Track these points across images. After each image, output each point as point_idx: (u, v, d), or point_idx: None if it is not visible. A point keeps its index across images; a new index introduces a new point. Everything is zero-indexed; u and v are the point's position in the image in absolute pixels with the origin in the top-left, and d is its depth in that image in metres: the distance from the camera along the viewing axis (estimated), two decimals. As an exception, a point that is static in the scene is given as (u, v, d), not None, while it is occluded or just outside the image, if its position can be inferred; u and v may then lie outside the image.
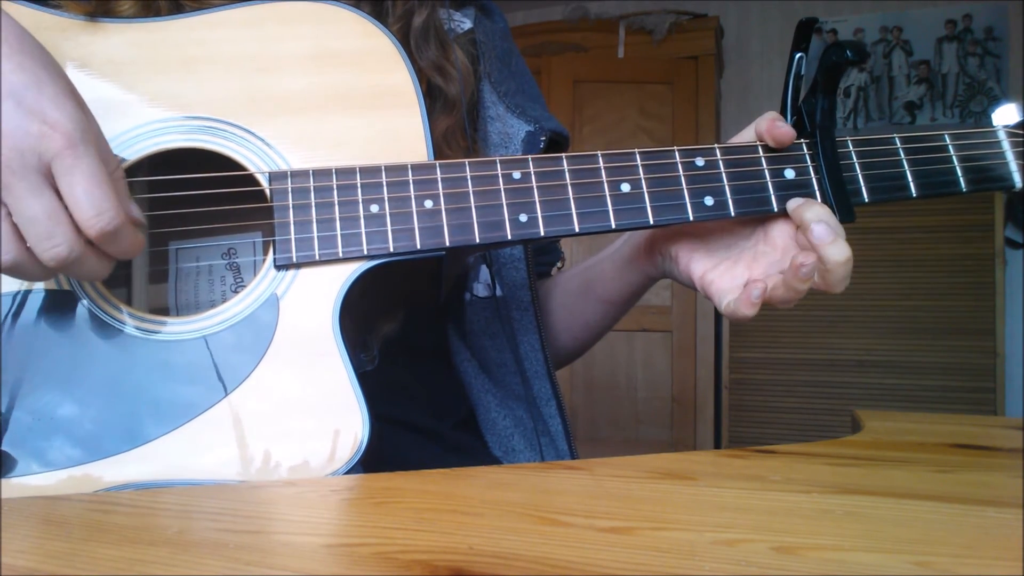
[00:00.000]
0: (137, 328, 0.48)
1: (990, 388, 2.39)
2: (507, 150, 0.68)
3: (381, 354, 0.62)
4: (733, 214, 0.53)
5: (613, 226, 0.52)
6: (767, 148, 0.55)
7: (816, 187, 0.54)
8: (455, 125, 0.65)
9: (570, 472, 0.43)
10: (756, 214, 0.54)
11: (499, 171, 0.52)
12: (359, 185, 0.50)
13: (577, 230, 0.52)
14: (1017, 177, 0.57)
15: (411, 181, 0.50)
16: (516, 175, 0.52)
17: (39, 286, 0.48)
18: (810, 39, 0.56)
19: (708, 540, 0.31)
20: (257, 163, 0.50)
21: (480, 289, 0.70)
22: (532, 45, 2.76)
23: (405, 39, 0.62)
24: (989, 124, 0.58)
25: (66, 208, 0.41)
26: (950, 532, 0.32)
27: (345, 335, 0.48)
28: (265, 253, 0.50)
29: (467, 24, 0.71)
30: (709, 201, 0.53)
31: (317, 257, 0.49)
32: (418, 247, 0.50)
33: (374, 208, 0.50)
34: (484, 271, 0.70)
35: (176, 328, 0.48)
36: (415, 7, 0.64)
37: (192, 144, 0.50)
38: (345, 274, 0.49)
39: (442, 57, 0.65)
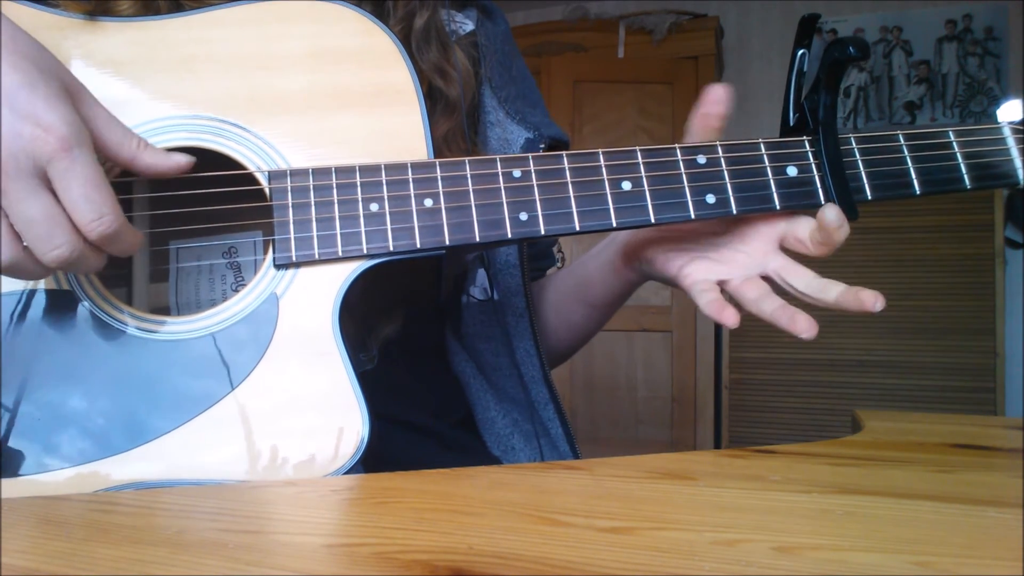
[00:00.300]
0: (138, 328, 0.47)
1: (990, 388, 2.39)
2: None
3: (380, 354, 0.62)
4: (735, 212, 0.53)
5: (614, 224, 0.52)
6: (769, 145, 0.55)
7: (819, 184, 0.54)
8: (455, 128, 0.65)
9: (570, 472, 0.43)
10: (758, 212, 0.54)
11: (499, 169, 0.52)
12: (359, 184, 0.50)
13: (578, 228, 0.52)
14: (1021, 174, 0.57)
15: (411, 180, 0.50)
16: (516, 173, 0.52)
17: (40, 286, 0.48)
18: (812, 35, 0.56)
19: (708, 540, 0.31)
20: (257, 162, 0.50)
21: (477, 292, 0.70)
22: (532, 45, 2.76)
23: (406, 40, 0.62)
24: (993, 121, 0.58)
25: (63, 209, 0.41)
26: (950, 532, 0.32)
27: (345, 334, 0.48)
28: (265, 252, 0.50)
29: (469, 26, 0.71)
30: (711, 199, 0.53)
31: (317, 256, 0.49)
32: (418, 246, 0.49)
33: (374, 207, 0.50)
34: (481, 274, 0.70)
35: (177, 327, 0.48)
36: (416, 8, 0.63)
37: (192, 143, 0.50)
38: (345, 273, 0.49)
39: (443, 59, 0.64)
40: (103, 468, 0.45)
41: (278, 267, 0.49)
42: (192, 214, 0.52)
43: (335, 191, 0.50)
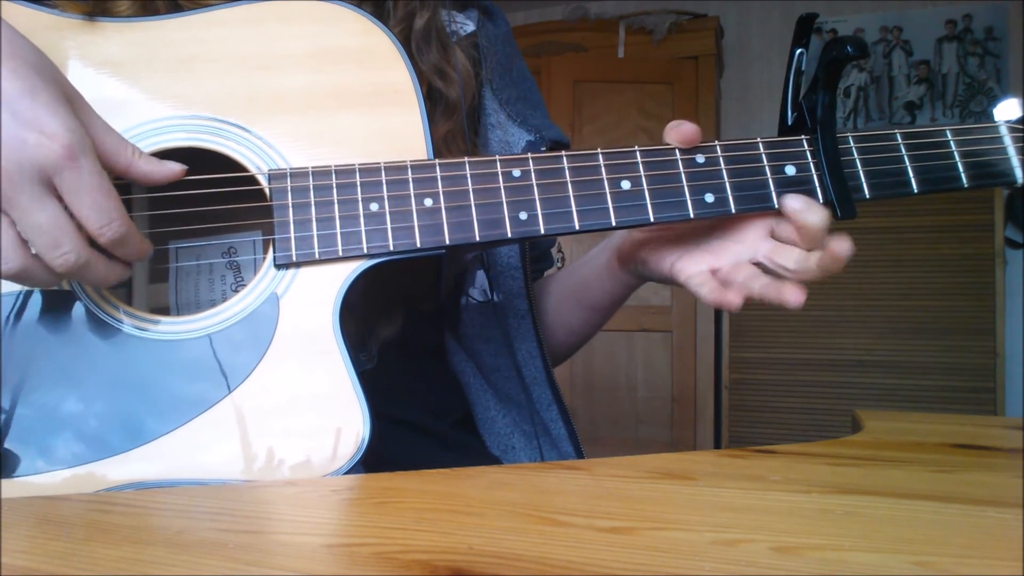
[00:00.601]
0: (138, 328, 0.47)
1: (990, 388, 2.39)
2: None
3: (380, 353, 0.62)
4: (734, 211, 0.53)
5: (613, 223, 0.52)
6: (768, 145, 0.55)
7: (817, 183, 0.54)
8: (455, 129, 0.65)
9: (570, 472, 0.43)
10: (757, 211, 0.54)
11: (499, 169, 0.52)
12: (358, 184, 0.50)
13: (577, 228, 0.52)
14: (1018, 172, 0.57)
15: (411, 179, 0.50)
16: (516, 173, 0.52)
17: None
18: (810, 35, 0.56)
19: (708, 540, 0.31)
20: (256, 162, 0.50)
21: (476, 294, 0.70)
22: (532, 45, 2.76)
23: (406, 41, 0.62)
24: (991, 120, 0.58)
25: (70, 215, 0.41)
26: (950, 532, 0.32)
27: (345, 334, 0.48)
28: (265, 252, 0.50)
29: (470, 27, 0.70)
30: (710, 198, 0.53)
31: (317, 256, 0.49)
32: (418, 245, 0.49)
33: (374, 207, 0.50)
34: (480, 276, 0.70)
35: (177, 327, 0.48)
36: (417, 9, 0.63)
37: (191, 143, 0.50)
38: (345, 273, 0.49)
39: (443, 60, 0.64)
40: (103, 468, 0.45)
41: (278, 267, 0.49)
42: (192, 214, 0.52)
43: (335, 191, 0.50)
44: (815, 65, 0.54)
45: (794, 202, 0.52)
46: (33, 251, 0.41)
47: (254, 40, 0.52)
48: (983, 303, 2.41)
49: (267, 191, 0.49)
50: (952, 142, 0.57)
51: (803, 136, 0.55)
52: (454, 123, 0.64)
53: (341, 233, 0.49)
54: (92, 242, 0.43)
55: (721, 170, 0.54)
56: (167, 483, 0.44)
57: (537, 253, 0.77)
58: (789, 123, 0.57)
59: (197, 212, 0.52)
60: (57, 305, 0.47)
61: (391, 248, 0.49)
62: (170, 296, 0.58)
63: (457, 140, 0.65)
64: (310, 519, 0.37)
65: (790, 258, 0.54)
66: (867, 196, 0.55)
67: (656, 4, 2.83)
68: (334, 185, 0.50)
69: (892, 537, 0.31)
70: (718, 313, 2.66)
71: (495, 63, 0.70)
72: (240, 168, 0.50)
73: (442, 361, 0.72)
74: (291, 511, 0.38)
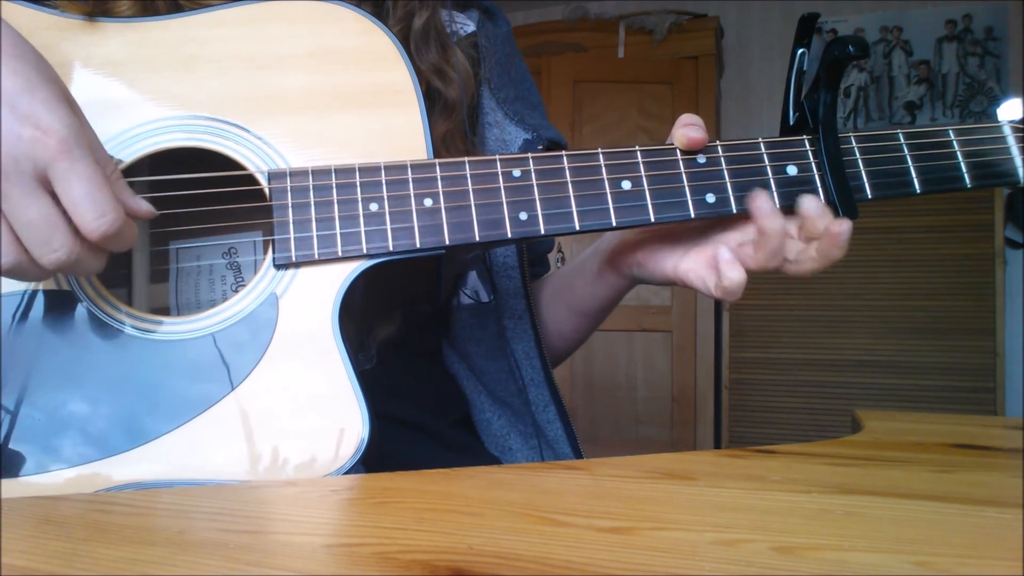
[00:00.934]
0: (138, 328, 0.47)
1: (990, 388, 2.39)
2: None
3: (379, 353, 0.62)
4: (735, 211, 0.53)
5: (614, 224, 0.52)
6: (769, 144, 0.55)
7: (819, 183, 0.54)
8: (454, 129, 0.65)
9: (570, 472, 0.43)
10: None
11: (499, 169, 0.52)
12: (358, 184, 0.50)
13: (577, 228, 0.52)
14: (1021, 173, 0.57)
15: (411, 180, 0.50)
16: (516, 173, 0.52)
17: (41, 287, 0.48)
18: (812, 35, 0.56)
19: (708, 540, 0.31)
20: (256, 162, 0.50)
21: (467, 295, 0.70)
22: (532, 45, 2.76)
23: (405, 41, 0.62)
24: (993, 120, 0.58)
25: (62, 212, 0.41)
26: (950, 532, 0.32)
27: (345, 334, 0.48)
28: (265, 252, 0.50)
29: (470, 27, 0.70)
30: (711, 198, 0.53)
31: (316, 256, 0.49)
32: (418, 246, 0.49)
33: (373, 207, 0.50)
34: (472, 277, 0.70)
35: (177, 327, 0.48)
36: (416, 8, 0.63)
37: (191, 143, 0.50)
38: (345, 273, 0.49)
39: (442, 59, 0.64)
40: (103, 468, 0.45)
41: (278, 267, 0.49)
42: (192, 214, 0.52)
43: (335, 191, 0.50)
44: (816, 65, 0.54)
45: (812, 206, 0.52)
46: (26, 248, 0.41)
47: (254, 40, 0.52)
48: (983, 303, 2.41)
49: (267, 191, 0.49)
50: (955, 142, 0.57)
51: (805, 136, 0.55)
52: (453, 122, 0.64)
53: (341, 233, 0.49)
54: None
55: (722, 170, 0.54)
56: (168, 483, 0.44)
57: (532, 256, 0.77)
58: (791, 123, 0.57)
59: (197, 212, 0.52)
60: (57, 306, 0.47)
61: (391, 248, 0.49)
62: (170, 296, 0.58)
63: (456, 140, 0.65)
64: (310, 519, 0.37)
65: (791, 250, 0.54)
66: (869, 196, 0.55)
67: (656, 4, 2.83)
68: (334, 185, 0.50)
69: (892, 537, 0.31)
70: (718, 313, 2.66)
71: (494, 62, 0.70)
72: (240, 168, 0.50)
73: (441, 361, 0.72)
74: (291, 511, 0.38)
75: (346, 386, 0.46)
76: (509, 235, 0.51)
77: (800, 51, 0.56)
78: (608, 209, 0.52)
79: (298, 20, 0.53)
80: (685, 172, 0.53)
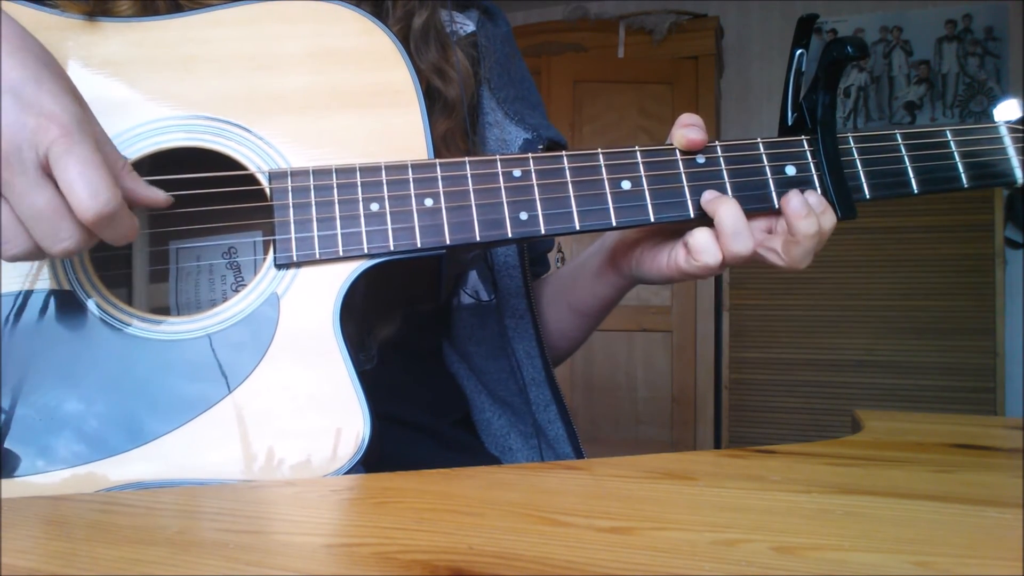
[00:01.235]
0: (138, 328, 0.47)
1: (990, 388, 2.39)
2: None
3: (380, 353, 0.62)
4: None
5: (614, 224, 0.52)
6: (768, 145, 0.55)
7: (817, 184, 0.54)
8: (455, 128, 0.65)
9: (570, 472, 0.43)
10: (757, 211, 0.54)
11: (499, 169, 0.52)
12: (359, 184, 0.50)
13: (578, 228, 0.52)
14: (1018, 173, 0.57)
15: (411, 179, 0.50)
16: (516, 173, 0.52)
17: (40, 286, 0.48)
18: (811, 35, 0.56)
19: (708, 540, 0.31)
20: (257, 162, 0.50)
21: (467, 295, 0.70)
22: (532, 45, 2.76)
23: (405, 40, 0.62)
24: (991, 120, 0.58)
25: (67, 201, 0.41)
26: (950, 532, 0.32)
27: (345, 334, 0.48)
28: (265, 252, 0.50)
29: (470, 27, 0.71)
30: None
31: (317, 256, 0.49)
32: (418, 245, 0.49)
33: (374, 207, 0.50)
34: (472, 277, 0.70)
35: (177, 327, 0.48)
36: (415, 8, 0.63)
37: (192, 143, 0.50)
38: (345, 273, 0.49)
39: (442, 59, 0.64)
40: (104, 468, 0.45)
41: (279, 267, 0.49)
42: (192, 214, 0.52)
43: (336, 191, 0.50)
44: (815, 65, 0.54)
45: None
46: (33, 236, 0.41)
47: (254, 40, 0.52)
48: (983, 303, 2.41)
49: (268, 191, 0.49)
50: (952, 142, 0.57)
51: (803, 136, 0.55)
52: (453, 121, 0.64)
53: (342, 233, 0.49)
54: None
55: (721, 170, 0.54)
56: (168, 483, 0.44)
57: (533, 256, 0.77)
58: (789, 123, 0.57)
59: (198, 212, 0.52)
60: (58, 305, 0.47)
61: (391, 248, 0.49)
62: (170, 296, 0.58)
63: (456, 139, 0.65)
64: (310, 519, 0.37)
65: (776, 242, 0.54)
66: (867, 196, 0.55)
67: (656, 4, 2.83)
68: (335, 185, 0.50)
69: (892, 537, 0.31)
70: (718, 313, 2.66)
71: (493, 62, 0.70)
72: (241, 168, 0.50)
73: (441, 361, 0.72)
74: (291, 511, 0.38)
75: (347, 386, 0.46)
76: (509, 235, 0.51)
77: (799, 52, 0.56)
78: (608, 209, 0.52)
79: (298, 20, 0.53)
80: (684, 172, 0.54)
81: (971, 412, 2.35)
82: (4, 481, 0.44)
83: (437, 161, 0.51)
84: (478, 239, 0.50)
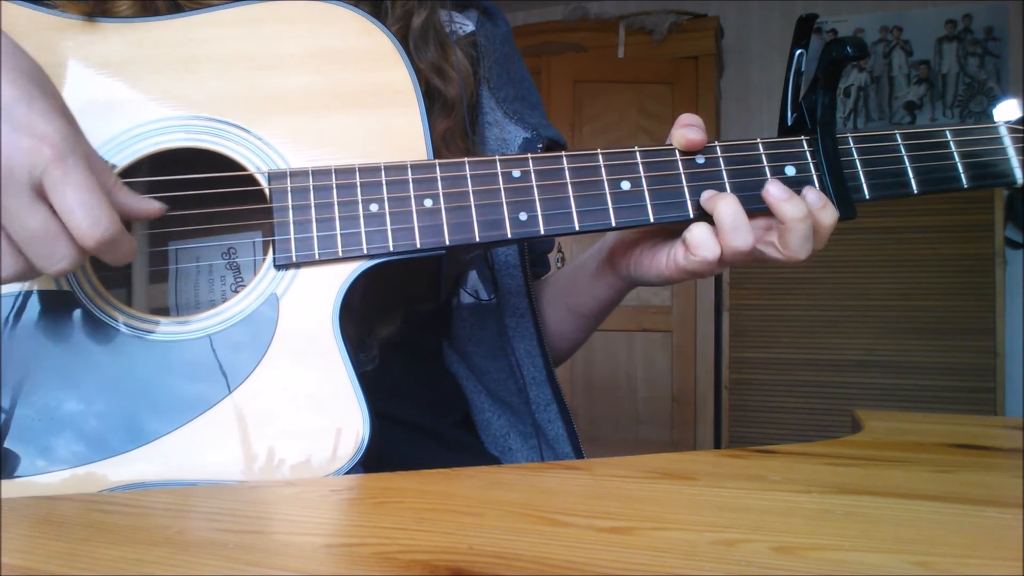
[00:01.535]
0: (138, 328, 0.47)
1: (990, 388, 2.39)
2: None
3: (380, 354, 0.62)
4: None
5: (613, 224, 0.52)
6: (767, 145, 0.55)
7: (817, 184, 0.54)
8: (454, 127, 0.65)
9: (570, 472, 0.43)
10: (757, 211, 0.54)
11: (499, 170, 0.52)
12: (358, 184, 0.50)
13: (577, 228, 0.52)
14: (1018, 173, 0.57)
15: (411, 180, 0.50)
16: (516, 174, 0.52)
17: (40, 287, 0.48)
18: (810, 35, 0.56)
19: (708, 540, 0.31)
20: (256, 162, 0.50)
21: (467, 295, 0.70)
22: (532, 45, 2.76)
23: (404, 40, 0.62)
24: (990, 121, 0.58)
25: (61, 222, 0.41)
26: (950, 532, 0.32)
27: (345, 335, 0.48)
28: (265, 253, 0.50)
29: (469, 27, 0.71)
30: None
31: (317, 256, 0.49)
32: (418, 246, 0.49)
33: (374, 207, 0.50)
34: (472, 277, 0.70)
35: (176, 328, 0.48)
36: (414, 8, 0.63)
37: (191, 144, 0.50)
38: (345, 273, 0.49)
39: (441, 59, 0.64)
40: (103, 469, 0.45)
41: (278, 267, 0.49)
42: (192, 215, 0.52)
43: (335, 191, 0.50)
44: (815, 65, 0.54)
45: (780, 197, 0.52)
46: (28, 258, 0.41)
47: (254, 40, 0.52)
48: (983, 303, 2.41)
49: (267, 192, 0.49)
50: (952, 142, 0.57)
51: (803, 136, 0.55)
52: (452, 121, 0.64)
53: (341, 234, 0.49)
54: None
55: (721, 171, 0.54)
56: (167, 483, 0.44)
57: (533, 256, 0.77)
58: (789, 123, 0.57)
59: (197, 213, 0.52)
60: (57, 306, 0.47)
61: (391, 249, 0.49)
62: (170, 297, 0.58)
63: (456, 138, 0.65)
64: (310, 519, 0.37)
65: (772, 235, 0.54)
66: (867, 196, 0.55)
67: (656, 4, 2.83)
68: (334, 185, 0.50)
69: (892, 537, 0.31)
70: (718, 313, 2.66)
71: (493, 62, 0.70)
72: (240, 169, 0.50)
73: (441, 361, 0.72)
74: (291, 511, 0.38)
75: (346, 386, 0.46)
76: (509, 235, 0.51)
77: (798, 52, 0.56)
78: (608, 209, 0.52)
79: (298, 20, 0.53)
80: (684, 172, 0.54)
81: (971, 412, 2.35)
82: (4, 481, 0.44)
83: (436, 162, 0.51)
84: (477, 239, 0.50)
